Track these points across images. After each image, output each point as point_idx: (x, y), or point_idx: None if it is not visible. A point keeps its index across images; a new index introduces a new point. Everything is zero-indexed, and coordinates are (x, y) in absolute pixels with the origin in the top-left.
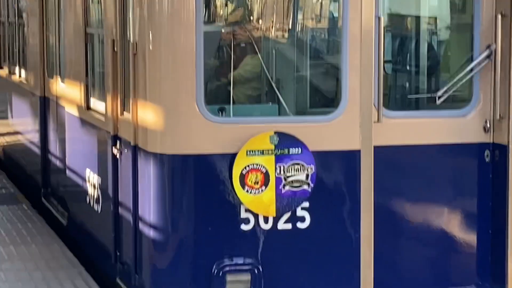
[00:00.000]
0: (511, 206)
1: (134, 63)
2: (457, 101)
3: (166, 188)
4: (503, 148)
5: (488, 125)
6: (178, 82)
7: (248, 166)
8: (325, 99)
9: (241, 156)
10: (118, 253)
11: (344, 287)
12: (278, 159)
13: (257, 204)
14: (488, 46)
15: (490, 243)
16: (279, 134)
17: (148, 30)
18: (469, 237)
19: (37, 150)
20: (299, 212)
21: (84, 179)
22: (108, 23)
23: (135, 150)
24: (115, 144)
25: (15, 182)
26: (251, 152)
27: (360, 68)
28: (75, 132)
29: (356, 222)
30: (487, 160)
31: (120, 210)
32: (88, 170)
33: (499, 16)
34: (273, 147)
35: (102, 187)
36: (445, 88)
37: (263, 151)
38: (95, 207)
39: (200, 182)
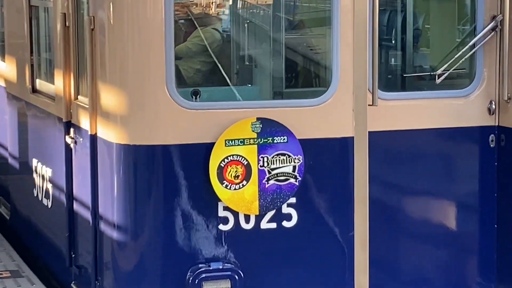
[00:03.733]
0: None
1: (92, 40)
2: (459, 80)
3: (131, 183)
4: (511, 132)
5: (494, 107)
6: (144, 61)
7: (227, 158)
8: (306, 79)
9: (219, 147)
10: (73, 255)
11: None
12: (261, 149)
13: (237, 201)
14: (494, 17)
15: (495, 239)
16: (262, 120)
17: (108, 2)
18: (472, 233)
19: None
20: (285, 209)
21: (30, 170)
22: None
23: (94, 139)
24: (68, 132)
25: None
26: (230, 141)
27: (353, 44)
28: (19, 118)
29: (349, 219)
30: (492, 145)
31: (76, 206)
32: (35, 160)
33: None
34: (255, 135)
35: (53, 180)
36: (445, 66)
37: (243, 140)
38: (45, 201)
39: (171, 176)
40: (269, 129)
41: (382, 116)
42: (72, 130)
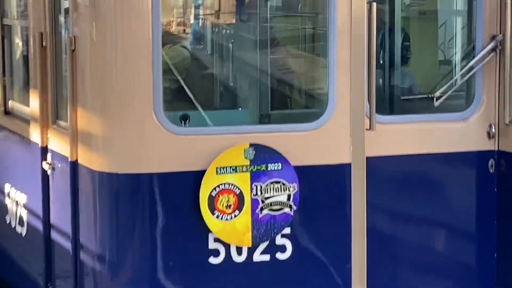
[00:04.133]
0: None
1: (72, 61)
2: (456, 102)
3: (115, 214)
4: (511, 157)
5: (493, 130)
6: (129, 83)
7: (219, 186)
8: (296, 101)
9: (210, 175)
10: (50, 287)
11: None
12: (254, 176)
13: (229, 232)
14: (493, 37)
15: (495, 268)
16: (255, 146)
17: (91, 21)
18: (471, 261)
19: None
20: (279, 241)
21: (2, 195)
22: (35, 13)
23: (74, 166)
24: (45, 158)
25: None
26: (221, 169)
27: (350, 66)
28: None
29: (346, 250)
30: (491, 171)
31: (53, 235)
32: (8, 185)
33: (509, 1)
34: (248, 162)
35: (28, 206)
36: (444, 88)
37: (236, 167)
38: (18, 229)
39: (158, 206)
40: (262, 155)
41: (380, 140)
42: (49, 155)
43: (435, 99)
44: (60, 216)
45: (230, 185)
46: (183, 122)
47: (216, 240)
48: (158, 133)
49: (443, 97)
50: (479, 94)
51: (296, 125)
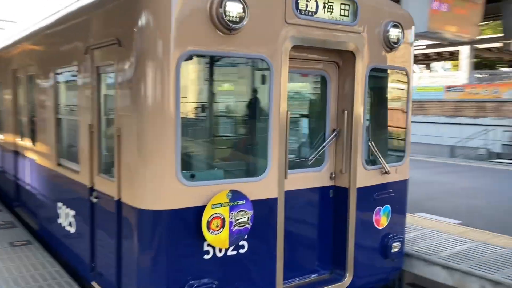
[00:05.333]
0: (350, 221)
1: (119, 141)
2: (318, 162)
3: (152, 231)
4: (343, 189)
5: (333, 175)
6: (161, 158)
7: (213, 215)
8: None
9: (208, 209)
10: (94, 264)
11: (267, 282)
12: (231, 208)
13: (216, 240)
14: (334, 130)
15: (332, 244)
16: (232, 191)
17: (131, 119)
18: (321, 240)
19: (13, 178)
20: (241, 242)
21: (55, 208)
22: (86, 113)
23: (119, 203)
24: (91, 194)
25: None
26: (214, 205)
27: (278, 147)
28: (46, 177)
29: (274, 244)
30: (331, 195)
31: (97, 233)
32: (60, 203)
33: (345, 112)
34: (228, 200)
35: (77, 217)
36: (312, 156)
37: (222, 203)
38: (67, 228)
39: (176, 227)
40: (235, 195)
41: (290, 182)
42: (94, 193)
43: (309, 161)
44: (102, 225)
45: (219, 214)
46: (191, 178)
47: (208, 245)
48: (178, 185)
49: (312, 160)
50: (326, 158)
51: (251, 178)
